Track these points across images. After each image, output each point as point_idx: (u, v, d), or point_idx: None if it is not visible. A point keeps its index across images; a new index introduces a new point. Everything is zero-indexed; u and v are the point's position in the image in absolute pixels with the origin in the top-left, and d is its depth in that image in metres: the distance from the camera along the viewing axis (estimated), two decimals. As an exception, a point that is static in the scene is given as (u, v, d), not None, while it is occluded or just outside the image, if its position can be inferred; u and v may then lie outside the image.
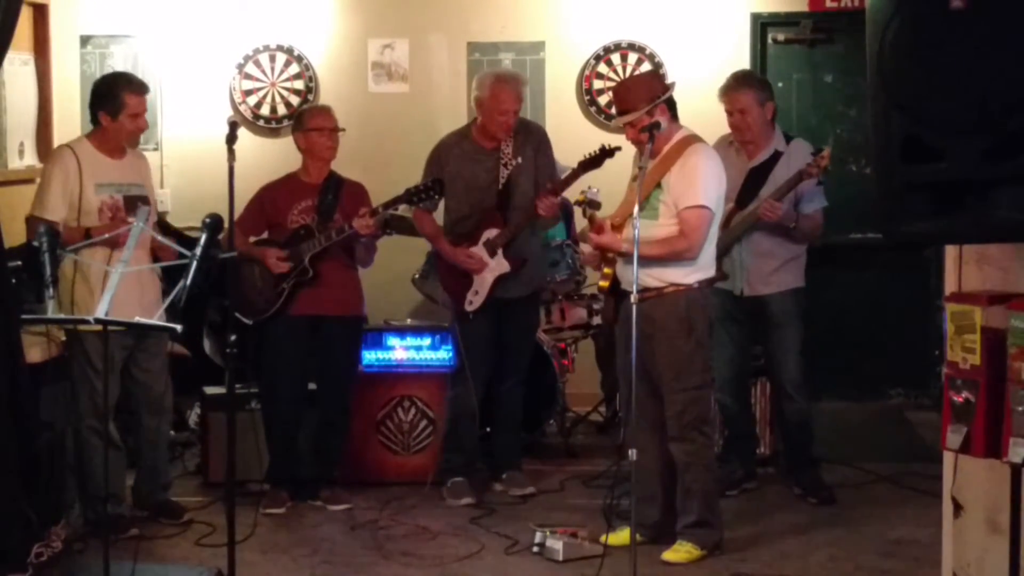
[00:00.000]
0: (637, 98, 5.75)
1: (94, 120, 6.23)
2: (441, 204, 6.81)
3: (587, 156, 6.46)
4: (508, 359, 6.88)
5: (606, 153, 6.39)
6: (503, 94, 6.65)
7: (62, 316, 5.80)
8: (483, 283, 6.69)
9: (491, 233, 6.68)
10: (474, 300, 6.69)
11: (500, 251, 6.67)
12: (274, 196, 6.72)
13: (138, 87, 6.24)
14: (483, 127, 6.72)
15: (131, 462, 6.43)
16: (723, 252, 6.42)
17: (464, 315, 6.72)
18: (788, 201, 6.51)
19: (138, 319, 5.32)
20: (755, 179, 6.62)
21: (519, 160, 6.71)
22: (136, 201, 6.10)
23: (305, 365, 6.70)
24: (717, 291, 6.35)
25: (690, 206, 5.65)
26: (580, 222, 7.18)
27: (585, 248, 6.53)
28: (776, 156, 6.64)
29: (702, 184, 5.67)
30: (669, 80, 6.06)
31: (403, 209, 6.70)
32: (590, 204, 6.00)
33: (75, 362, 5.95)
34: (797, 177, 6.47)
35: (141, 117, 6.21)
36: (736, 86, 6.66)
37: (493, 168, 6.70)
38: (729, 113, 6.64)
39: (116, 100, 6.13)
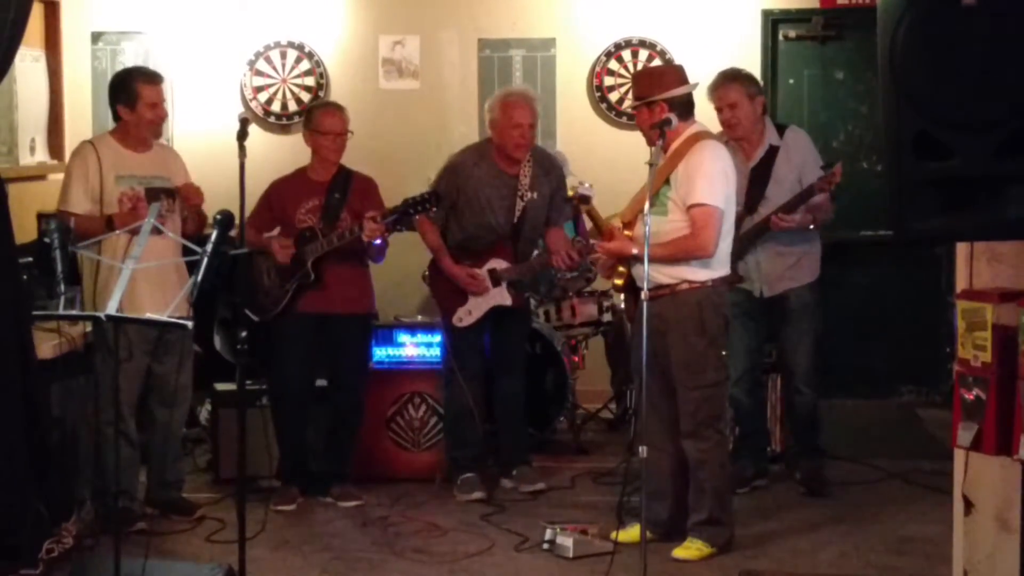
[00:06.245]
0: (650, 88, 5.80)
1: (115, 116, 6.29)
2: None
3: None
4: (503, 359, 6.90)
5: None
6: (513, 108, 6.62)
7: (73, 312, 5.82)
8: (479, 306, 6.71)
9: (499, 264, 6.69)
10: (464, 318, 6.71)
11: (505, 283, 6.68)
12: (282, 194, 6.72)
13: (151, 77, 6.30)
14: (500, 148, 6.69)
15: (145, 458, 6.43)
16: (737, 256, 6.48)
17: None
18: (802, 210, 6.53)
19: (149, 315, 5.33)
20: (758, 179, 6.62)
21: (534, 195, 6.72)
22: (159, 193, 6.12)
23: (314, 362, 6.71)
24: (737, 289, 6.46)
25: (695, 204, 5.64)
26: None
27: (599, 259, 6.55)
28: (773, 151, 6.65)
29: (707, 181, 5.65)
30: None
31: None
32: (581, 199, 6.00)
33: (98, 356, 5.96)
34: (808, 191, 6.48)
35: (159, 106, 6.25)
36: (723, 82, 6.66)
37: (509, 196, 6.69)
38: (719, 110, 6.63)
39: (131, 92, 6.18)
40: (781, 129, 6.76)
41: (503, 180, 6.70)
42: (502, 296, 6.71)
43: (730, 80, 6.67)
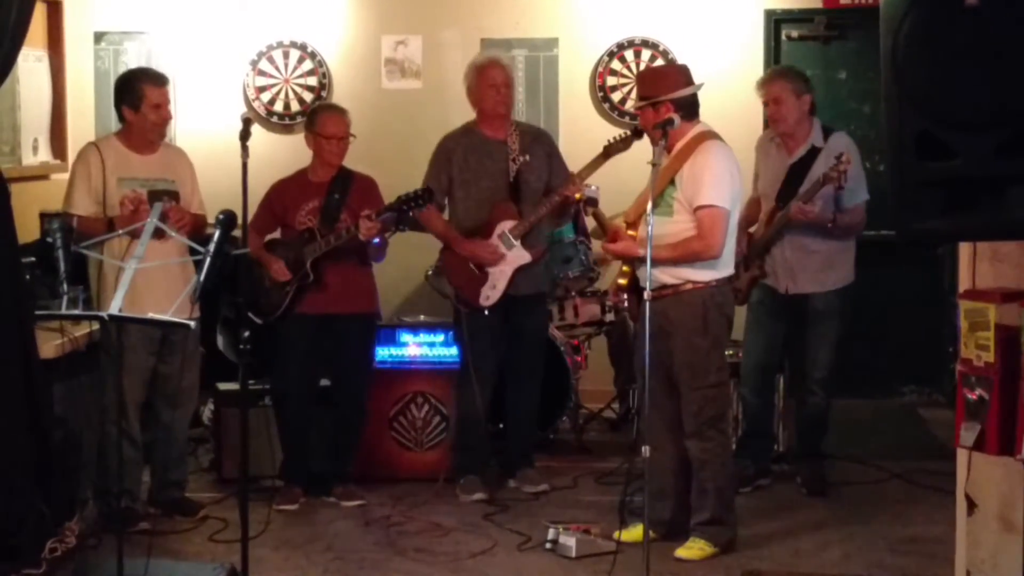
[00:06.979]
0: (655, 87, 5.81)
1: (120, 118, 6.29)
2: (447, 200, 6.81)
3: (613, 140, 6.47)
4: (519, 358, 6.87)
5: (636, 134, 6.37)
6: (487, 70, 6.72)
7: (76, 312, 5.82)
8: (502, 276, 6.67)
9: (507, 225, 6.66)
10: (491, 295, 6.67)
11: (519, 242, 6.67)
12: (282, 196, 6.72)
13: (156, 79, 6.30)
14: (483, 114, 6.75)
15: (148, 458, 6.43)
16: (764, 251, 6.55)
17: (471, 313, 6.71)
18: (822, 199, 6.50)
19: (151, 315, 5.33)
20: (795, 176, 6.64)
21: (526, 157, 6.72)
22: (162, 195, 6.12)
23: (316, 362, 6.71)
24: (761, 286, 6.54)
25: (702, 205, 5.64)
26: (589, 221, 7.21)
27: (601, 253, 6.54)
28: (814, 151, 6.65)
29: (713, 183, 5.65)
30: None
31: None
32: (588, 201, 6.01)
33: (103, 356, 5.96)
34: (821, 181, 6.47)
35: (164, 107, 6.25)
36: (771, 78, 6.78)
37: (502, 160, 6.70)
38: (765, 104, 6.74)
39: (136, 93, 6.18)
40: (828, 133, 6.77)
41: (492, 146, 6.73)
42: (520, 256, 6.68)
43: (777, 76, 6.77)
